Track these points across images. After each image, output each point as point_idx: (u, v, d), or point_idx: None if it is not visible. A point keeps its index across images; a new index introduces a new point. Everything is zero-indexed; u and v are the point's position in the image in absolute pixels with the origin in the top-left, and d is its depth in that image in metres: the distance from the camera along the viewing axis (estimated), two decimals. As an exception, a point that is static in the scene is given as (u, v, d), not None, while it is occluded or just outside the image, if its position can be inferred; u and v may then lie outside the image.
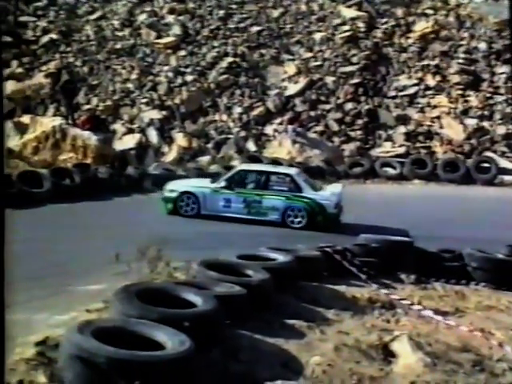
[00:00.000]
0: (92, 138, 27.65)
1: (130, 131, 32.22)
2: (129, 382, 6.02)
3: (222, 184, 19.90)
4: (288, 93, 34.91)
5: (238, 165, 22.47)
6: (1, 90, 3.13)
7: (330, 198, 19.57)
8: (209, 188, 19.95)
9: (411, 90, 35.25)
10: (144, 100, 34.11)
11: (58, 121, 28.77)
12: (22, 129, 28.51)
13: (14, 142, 27.84)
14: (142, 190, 24.52)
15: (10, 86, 32.18)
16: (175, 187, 20.22)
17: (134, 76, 35.31)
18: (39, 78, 33.71)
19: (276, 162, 28.90)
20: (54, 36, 37.15)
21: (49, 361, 6.89)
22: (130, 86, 34.90)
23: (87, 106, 33.20)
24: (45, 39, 36.81)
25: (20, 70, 34.06)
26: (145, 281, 9.51)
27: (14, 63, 34.28)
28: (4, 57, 33.78)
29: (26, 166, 24.92)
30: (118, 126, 32.23)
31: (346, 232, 17.56)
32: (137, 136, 31.73)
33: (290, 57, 36.62)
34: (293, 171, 20.85)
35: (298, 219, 19.27)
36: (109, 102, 33.69)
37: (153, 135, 32.04)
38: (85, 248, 14.50)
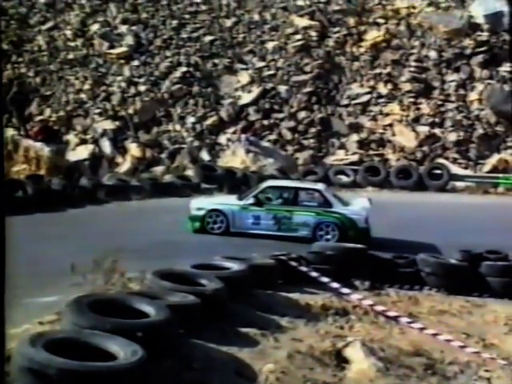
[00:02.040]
0: (45, 149, 27.49)
1: (83, 142, 32.02)
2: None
3: (251, 201, 19.60)
4: (241, 102, 34.94)
5: (266, 181, 22.05)
6: (0, 95, 3.15)
7: (361, 213, 19.36)
8: (237, 205, 19.63)
9: (364, 99, 35.50)
10: (97, 110, 33.92)
11: (9, 132, 28.51)
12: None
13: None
14: (96, 201, 24.35)
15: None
16: (202, 205, 19.89)
17: (86, 86, 35.09)
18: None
19: (230, 171, 28.97)
20: (5, 46, 36.80)
21: (1, 374, 6.81)
22: (82, 96, 34.69)
23: (40, 117, 32.91)
24: (-5, 49, 36.50)
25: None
26: (98, 292, 9.49)
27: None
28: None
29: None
30: (71, 137, 32.01)
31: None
32: (90, 147, 31.56)
33: (243, 66, 36.67)
34: (321, 186, 20.74)
35: (329, 235, 18.93)
36: (62, 113, 33.45)
37: (106, 146, 31.89)
38: (39, 260, 14.39)
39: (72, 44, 37.70)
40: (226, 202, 20.16)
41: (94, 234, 18.03)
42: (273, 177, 28.08)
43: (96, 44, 37.61)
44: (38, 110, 33.53)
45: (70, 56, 36.80)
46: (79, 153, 30.84)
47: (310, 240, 18.28)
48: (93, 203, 23.95)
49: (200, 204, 20.01)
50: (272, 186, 20.79)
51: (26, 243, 15.98)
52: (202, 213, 19.50)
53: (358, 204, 20.10)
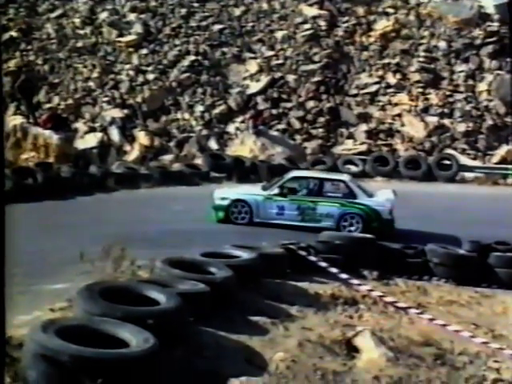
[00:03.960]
0: (53, 137, 27.48)
1: (92, 130, 32.06)
2: (93, 380, 6.02)
3: (275, 191, 19.48)
4: (250, 91, 34.92)
5: (291, 172, 21.65)
6: (1, 89, 3.14)
7: (385, 204, 19.30)
8: (261, 195, 19.54)
9: (372, 88, 35.43)
10: (106, 98, 33.93)
11: (18, 120, 28.57)
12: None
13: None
14: (105, 189, 24.37)
15: (-31, 85, 31.85)
16: (226, 195, 19.74)
17: (95, 74, 35.10)
18: (-1, 76, 33.38)
19: (238, 160, 28.93)
20: (14, 34, 36.81)
21: (12, 360, 6.85)
22: (91, 84, 34.70)
23: (48, 105, 32.96)
24: (5, 37, 36.46)
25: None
26: (109, 279, 9.50)
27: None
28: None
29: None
30: (80, 125, 32.05)
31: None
32: (99, 135, 31.60)
33: (252, 55, 36.62)
34: (346, 177, 20.62)
35: (353, 226, 18.81)
36: (70, 101, 33.49)
37: (115, 134, 31.91)
38: (48, 247, 14.42)
39: (80, 32, 37.68)
40: (250, 192, 20.09)
41: (103, 221, 18.04)
42: (280, 166, 28.05)
43: (105, 32, 37.59)
44: (47, 97, 33.56)
45: (79, 44, 36.80)
46: (88, 141, 30.87)
47: (334, 231, 18.18)
48: (101, 191, 23.96)
49: (224, 194, 19.87)
50: (297, 176, 20.63)
51: (35, 231, 16.05)
52: (226, 202, 19.42)
53: (382, 195, 20.02)
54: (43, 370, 6.24)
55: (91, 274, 9.92)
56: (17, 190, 21.40)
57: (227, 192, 20.16)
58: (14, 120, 28.61)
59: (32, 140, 27.36)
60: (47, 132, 27.48)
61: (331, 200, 19.31)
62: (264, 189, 19.94)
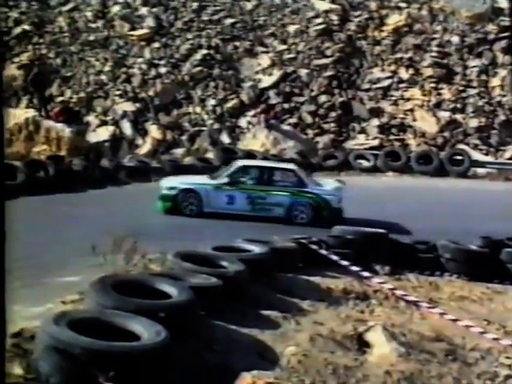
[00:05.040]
0: (66, 130, 27.55)
1: (104, 123, 32.12)
2: (105, 373, 6.03)
3: (225, 180, 19.41)
4: (262, 85, 34.91)
5: (239, 161, 21.75)
6: (1, 89, 3.12)
7: (335, 193, 19.52)
8: (211, 185, 19.38)
9: (385, 83, 35.37)
10: (118, 92, 33.99)
11: (31, 113, 28.66)
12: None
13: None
14: (117, 182, 24.44)
15: (-18, 78, 31.92)
16: (174, 184, 19.41)
17: (107, 68, 35.16)
18: (12, 70, 33.46)
19: (250, 154, 28.91)
20: (26, 27, 36.87)
21: (24, 352, 6.86)
22: (103, 78, 34.76)
23: (60, 98, 33.02)
24: (17, 30, 36.54)
25: (-8, 61, 33.80)
26: (120, 272, 9.51)
27: (-14, 55, 34.01)
28: (-24, 48, 33.54)
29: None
30: (92, 118, 32.12)
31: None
32: (110, 128, 31.65)
33: (264, 49, 36.61)
34: (294, 167, 20.72)
35: (304, 215, 19.11)
36: (82, 94, 33.56)
37: (127, 127, 31.96)
38: (60, 240, 14.45)
39: (93, 25, 37.75)
40: (199, 181, 19.76)
41: (115, 214, 18.06)
42: (292, 160, 27.98)
43: (117, 26, 37.64)
44: (59, 91, 33.63)
45: (91, 37, 36.86)
46: (100, 134, 30.93)
47: (283, 220, 18.77)
48: (113, 184, 24.04)
49: (171, 183, 19.56)
50: (246, 165, 20.66)
51: (47, 223, 16.08)
52: (173, 192, 19.14)
53: (330, 185, 20.25)
54: (55, 362, 6.24)
55: (102, 267, 9.94)
56: (29, 182, 21.50)
57: (175, 181, 19.80)
58: (26, 113, 28.69)
59: (44, 133, 27.43)
60: (59, 125, 27.55)
61: (281, 189, 19.41)
62: (212, 178, 19.81)
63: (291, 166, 21.16)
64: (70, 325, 6.53)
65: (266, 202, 19.24)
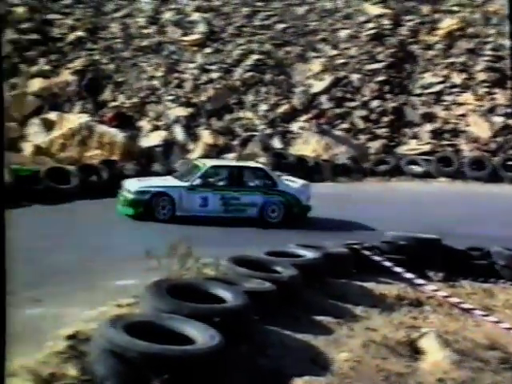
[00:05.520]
0: (119, 135, 27.87)
1: (156, 128, 32.30)
2: (160, 376, 6.08)
3: (198, 182, 18.88)
4: (313, 90, 34.85)
5: (207, 161, 21.09)
6: (1, 88, 3.13)
7: (304, 190, 19.69)
8: (184, 187, 18.73)
9: (437, 88, 35.05)
10: (170, 97, 34.17)
11: (84, 118, 29.03)
12: (49, 126, 28.75)
13: (41, 138, 28.08)
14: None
15: (38, 84, 32.36)
16: (145, 188, 18.57)
17: (159, 73, 35.36)
18: (66, 76, 33.84)
19: (302, 159, 28.93)
20: (80, 33, 37.30)
21: (80, 354, 6.95)
22: (155, 83, 34.98)
23: (113, 103, 33.32)
24: (71, 37, 36.97)
25: (47, 67, 34.19)
26: (175, 276, 9.57)
27: (42, 61, 34.42)
28: (31, 54, 34.03)
29: (53, 162, 25.05)
30: (144, 123, 32.29)
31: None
32: (163, 133, 31.80)
33: (316, 54, 36.54)
34: (264, 166, 20.99)
35: (276, 213, 19.10)
36: (135, 99, 33.79)
37: (178, 132, 32.07)
38: (114, 243, 14.62)
39: (145, 31, 38.02)
40: (170, 183, 19.09)
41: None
42: (344, 166, 27.91)
43: (169, 31, 37.87)
44: (112, 96, 33.92)
45: (144, 43, 37.12)
46: (152, 139, 31.09)
47: (256, 220, 18.78)
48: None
49: (140, 186, 18.67)
50: (217, 165, 20.33)
51: (100, 227, 16.25)
52: (146, 197, 18.31)
53: (297, 183, 20.25)
54: (111, 365, 6.32)
55: (157, 271, 10.01)
56: (82, 186, 21.79)
57: (143, 184, 18.92)
58: (79, 118, 29.07)
59: (97, 138, 27.77)
60: (112, 130, 27.88)
61: (254, 189, 19.27)
62: (181, 180, 19.18)
63: (259, 165, 21.44)
64: (126, 328, 6.60)
65: (239, 202, 18.98)
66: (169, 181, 19.38)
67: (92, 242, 14.82)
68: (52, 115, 29.66)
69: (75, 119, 28.87)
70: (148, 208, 18.23)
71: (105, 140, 27.68)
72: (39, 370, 6.52)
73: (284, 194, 19.25)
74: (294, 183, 20.08)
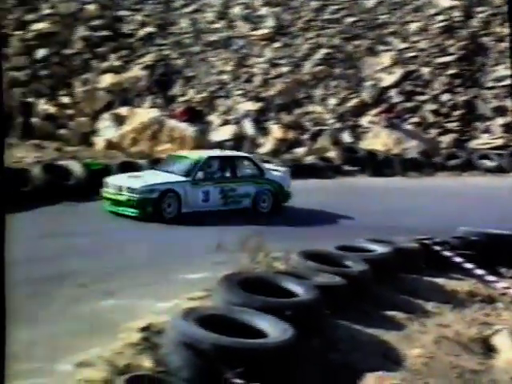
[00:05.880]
0: (189, 130, 28.07)
1: (226, 123, 32.44)
2: (233, 369, 6.11)
3: (199, 175, 17.91)
4: (383, 84, 34.59)
5: (203, 152, 19.95)
6: (1, 86, 3.17)
7: (286, 177, 19.48)
8: (188, 181, 17.58)
9: (509, 81, 34.47)
10: (239, 92, 34.28)
11: (155, 112, 29.32)
12: (120, 120, 29.11)
13: (112, 133, 28.45)
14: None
15: (109, 79, 32.77)
16: (152, 185, 17.13)
17: (229, 68, 35.52)
18: (136, 71, 34.21)
19: (372, 153, 28.75)
20: (150, 29, 37.64)
21: (154, 346, 7.04)
22: (225, 77, 35.14)
23: (183, 98, 33.56)
24: (141, 33, 37.33)
25: (118, 63, 34.62)
26: (245, 270, 9.61)
27: (112, 57, 34.86)
28: (102, 50, 34.49)
29: (124, 157, 25.33)
30: (214, 118, 32.48)
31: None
32: (232, 127, 31.93)
33: (385, 48, 36.26)
34: (250, 155, 20.84)
35: (266, 203, 18.77)
36: (204, 94, 34.00)
37: (248, 127, 32.17)
38: (186, 237, 14.75)
39: (214, 26, 38.19)
40: (173, 179, 17.62)
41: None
42: (414, 160, 27.57)
43: (238, 26, 37.97)
44: (182, 91, 34.17)
45: (213, 38, 37.30)
46: (222, 133, 31.24)
47: (250, 211, 18.38)
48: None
49: (146, 184, 17.13)
50: (212, 156, 19.08)
51: (170, 222, 16.36)
52: (155, 195, 16.90)
53: (279, 170, 19.95)
54: (184, 357, 6.37)
55: (227, 265, 10.07)
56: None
57: (149, 181, 17.33)
58: (150, 113, 29.36)
59: (167, 132, 28.00)
60: (183, 124, 28.08)
61: (247, 179, 18.78)
62: (180, 174, 17.79)
63: (246, 154, 21.32)
64: (199, 321, 6.66)
65: (236, 193, 18.39)
66: (170, 176, 17.86)
67: (165, 236, 15.02)
68: (123, 110, 30.02)
69: (146, 114, 29.18)
70: (157, 207, 16.88)
71: (175, 134, 27.91)
72: (115, 360, 6.62)
73: (271, 182, 18.92)
74: (276, 171, 19.76)
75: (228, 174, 18.67)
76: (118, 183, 17.27)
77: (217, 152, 20.37)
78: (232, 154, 20.50)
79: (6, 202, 2.85)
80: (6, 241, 2.66)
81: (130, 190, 16.87)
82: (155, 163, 22.78)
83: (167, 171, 18.20)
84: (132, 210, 16.76)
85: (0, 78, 3.31)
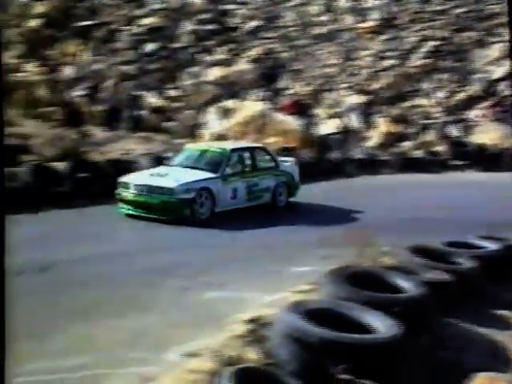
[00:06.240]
0: (295, 123, 28.09)
1: (332, 116, 32.33)
2: (341, 364, 6.06)
3: (228, 171, 16.64)
4: (493, 77, 33.84)
5: (220, 144, 18.93)
6: (1, 87, 3.14)
7: (295, 169, 18.65)
8: (219, 178, 16.26)
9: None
10: (345, 85, 34.11)
11: (261, 106, 29.42)
12: (226, 113, 29.34)
13: (218, 126, 28.69)
14: (344, 175, 24.63)
15: (216, 72, 33.07)
16: (187, 184, 15.57)
17: (335, 61, 35.37)
18: (243, 64, 34.41)
19: (481, 147, 28.22)
20: (256, 23, 37.80)
21: (261, 339, 7.04)
22: (331, 70, 35.00)
23: (290, 91, 33.60)
24: (248, 26, 37.52)
25: (224, 56, 34.90)
26: (352, 264, 9.52)
27: (219, 50, 35.17)
28: (210, 44, 34.84)
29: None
30: (320, 111, 32.42)
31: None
32: (338, 121, 31.81)
33: (495, 39, 35.44)
34: (263, 145, 19.78)
35: (283, 196, 17.96)
36: (311, 87, 33.94)
37: (354, 120, 32.00)
38: (296, 230, 14.77)
39: (320, 19, 38.06)
40: (205, 175, 16.15)
41: (344, 206, 18.14)
42: None
43: (344, 19, 37.75)
44: (289, 84, 34.21)
45: (319, 31, 37.18)
46: (328, 127, 31.15)
47: (269, 206, 17.58)
48: (341, 176, 24.23)
49: (180, 184, 15.52)
50: (235, 148, 17.71)
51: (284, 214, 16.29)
52: (191, 195, 15.41)
53: (288, 161, 18.97)
54: (292, 350, 6.35)
55: (333, 259, 10.00)
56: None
57: (182, 180, 15.68)
58: (257, 106, 29.50)
59: (274, 125, 28.09)
60: (289, 118, 28.12)
61: (266, 172, 17.72)
62: (207, 170, 16.44)
63: (260, 144, 20.18)
64: (306, 314, 6.62)
65: (258, 188, 17.29)
66: (199, 173, 16.32)
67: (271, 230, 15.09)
68: (229, 103, 30.24)
69: (252, 107, 29.33)
70: (193, 208, 15.45)
71: (281, 128, 27.97)
72: (222, 351, 6.66)
73: (286, 174, 18.11)
74: (285, 162, 18.78)
75: (248, 168, 17.46)
76: (145, 182, 15.66)
77: (237, 144, 19.40)
78: (250, 145, 19.15)
79: (5, 202, 2.80)
80: (5, 241, 2.63)
81: (165, 190, 15.35)
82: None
83: (191, 167, 16.69)
84: (164, 213, 15.15)
85: (0, 75, 3.29)
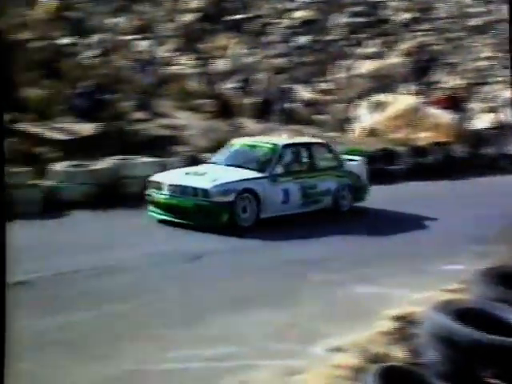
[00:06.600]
0: (448, 117, 27.59)
1: (487, 110, 31.54)
2: (490, 368, 5.88)
3: (279, 170, 14.33)
4: None
5: (273, 139, 15.85)
6: (1, 87, 3.07)
7: (364, 168, 16.25)
8: (266, 178, 13.99)
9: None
10: (500, 79, 33.16)
11: (414, 99, 29.04)
12: (378, 107, 29.10)
13: (369, 119, 28.49)
14: (497, 171, 23.95)
15: (368, 66, 32.85)
16: (226, 185, 13.35)
17: (488, 54, 34.46)
18: (395, 57, 34.04)
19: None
20: (410, 15, 37.31)
21: (408, 337, 6.94)
22: (485, 64, 34.13)
23: (444, 85, 32.99)
24: (401, 18, 37.08)
25: (377, 49, 34.61)
26: (506, 264, 9.24)
27: (371, 43, 34.90)
28: (361, 37, 34.67)
29: (380, 143, 25.25)
30: (475, 105, 31.68)
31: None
32: (493, 115, 31.00)
33: None
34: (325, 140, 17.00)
35: (346, 200, 15.42)
36: (465, 81, 33.21)
37: (509, 115, 31.07)
38: (445, 226, 14.46)
39: (474, 10, 37.19)
40: (249, 175, 13.94)
41: (498, 201, 17.53)
42: None
43: (500, 10, 36.70)
44: (443, 78, 33.61)
45: (473, 23, 36.35)
46: (482, 121, 30.45)
47: (330, 211, 15.06)
48: (494, 173, 23.57)
49: (217, 184, 13.30)
50: (288, 144, 15.12)
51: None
52: (231, 198, 13.15)
53: (354, 159, 16.51)
54: (440, 351, 6.21)
55: (487, 257, 9.73)
56: (411, 168, 21.91)
57: (219, 181, 13.45)
58: (409, 99, 29.15)
59: (428, 120, 27.69)
60: (442, 112, 27.66)
61: (326, 172, 15.26)
62: (252, 169, 14.26)
63: (319, 139, 17.35)
64: (456, 314, 6.46)
65: (317, 191, 14.82)
66: (242, 172, 14.12)
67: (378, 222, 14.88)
68: (381, 97, 29.98)
69: (404, 101, 28.98)
70: (233, 214, 13.18)
71: (435, 122, 27.55)
72: (368, 348, 6.60)
73: (351, 175, 15.63)
74: (352, 160, 16.38)
75: (305, 167, 15.15)
76: (178, 183, 13.63)
77: (296, 139, 16.59)
78: (307, 141, 16.43)
79: (6, 203, 2.75)
80: (6, 241, 2.61)
81: (199, 191, 13.29)
82: (417, 152, 22.53)
83: (235, 165, 14.50)
84: (199, 219, 13.10)
85: (0, 75, 3.29)
